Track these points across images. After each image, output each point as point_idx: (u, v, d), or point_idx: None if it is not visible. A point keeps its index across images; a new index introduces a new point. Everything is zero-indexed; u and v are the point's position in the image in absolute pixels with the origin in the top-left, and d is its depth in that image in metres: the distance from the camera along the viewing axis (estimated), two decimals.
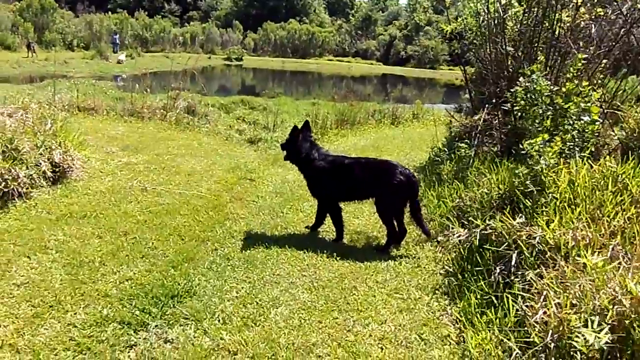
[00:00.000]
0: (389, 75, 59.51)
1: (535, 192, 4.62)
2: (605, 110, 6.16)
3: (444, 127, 10.07)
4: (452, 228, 5.12)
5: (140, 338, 3.47)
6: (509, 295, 3.69)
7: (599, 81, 6.55)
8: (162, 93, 14.55)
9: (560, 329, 3.01)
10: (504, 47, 7.04)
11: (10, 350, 3.22)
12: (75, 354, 3.25)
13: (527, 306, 3.42)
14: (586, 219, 4.01)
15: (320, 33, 79.26)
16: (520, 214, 4.44)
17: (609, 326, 2.83)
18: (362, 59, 77.49)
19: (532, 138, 4.88)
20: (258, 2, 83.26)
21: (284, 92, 26.50)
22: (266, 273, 4.60)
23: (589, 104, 5.25)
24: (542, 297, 3.33)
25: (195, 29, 69.96)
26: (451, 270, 4.75)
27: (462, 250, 4.82)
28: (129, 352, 3.33)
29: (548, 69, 6.42)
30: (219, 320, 3.76)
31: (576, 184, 4.47)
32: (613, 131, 6.02)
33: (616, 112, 6.50)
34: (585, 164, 4.68)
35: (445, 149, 8.15)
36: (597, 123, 5.23)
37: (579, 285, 3.19)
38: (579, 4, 6.38)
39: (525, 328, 3.30)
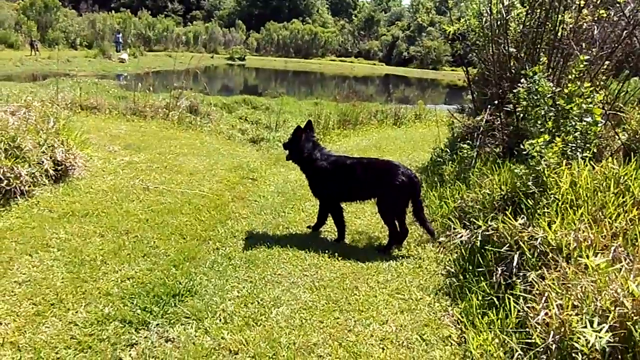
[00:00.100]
0: (392, 75, 59.51)
1: (537, 193, 4.62)
2: (608, 112, 6.15)
3: (446, 127, 10.06)
4: (454, 229, 5.12)
5: (141, 337, 3.47)
6: (510, 296, 3.69)
7: (602, 83, 6.55)
8: (164, 92, 14.57)
9: (562, 330, 3.01)
10: (506, 48, 7.03)
11: (12, 348, 3.22)
12: (76, 352, 3.25)
13: (528, 307, 3.41)
14: (588, 220, 4.00)
15: (323, 33, 79.34)
16: (522, 215, 4.43)
17: (611, 327, 2.82)
18: (364, 60, 77.55)
19: (534, 139, 4.88)
20: (261, 2, 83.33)
21: (286, 92, 26.50)
22: (268, 273, 4.60)
23: (591, 106, 5.23)
24: (544, 298, 3.32)
25: (198, 28, 70.07)
26: (453, 271, 4.75)
27: (463, 251, 4.82)
28: (130, 350, 3.33)
29: (550, 70, 6.41)
30: (220, 320, 3.76)
31: (578, 185, 4.46)
32: (615, 133, 6.00)
33: (618, 113, 6.49)
34: (587, 166, 4.68)
35: (448, 150, 8.14)
36: (599, 124, 5.22)
37: (581, 287, 3.19)
38: (582, 5, 6.37)
39: (527, 329, 3.30)
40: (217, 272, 4.55)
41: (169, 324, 3.65)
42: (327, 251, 5.11)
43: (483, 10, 7.49)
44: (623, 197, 4.23)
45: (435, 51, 73.04)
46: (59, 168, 6.28)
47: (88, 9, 61.71)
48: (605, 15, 6.35)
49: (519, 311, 3.54)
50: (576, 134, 5.17)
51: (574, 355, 2.86)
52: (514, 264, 3.99)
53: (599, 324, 2.86)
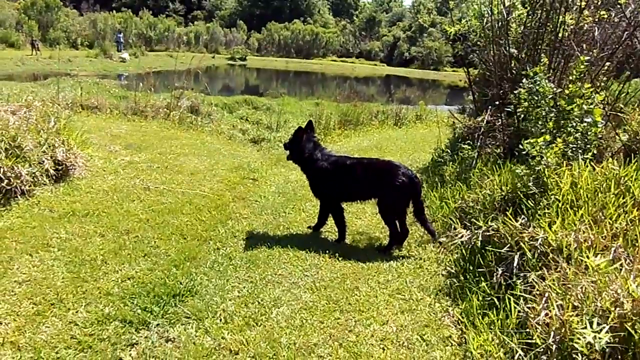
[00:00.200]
0: (393, 76, 59.53)
1: (537, 194, 4.62)
2: (608, 113, 6.15)
3: (447, 128, 10.06)
4: (455, 229, 5.12)
5: (141, 337, 3.48)
6: (510, 297, 3.69)
7: (602, 84, 6.54)
8: (165, 92, 14.58)
9: (562, 330, 3.00)
10: (507, 49, 7.03)
11: (12, 348, 3.23)
12: (77, 352, 3.25)
13: (529, 308, 3.41)
14: (588, 221, 4.00)
15: (324, 33, 79.37)
16: (522, 216, 4.43)
17: (611, 328, 2.82)
18: (365, 60, 77.54)
19: (535, 138, 4.88)
20: (262, 2, 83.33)
21: (287, 92, 26.50)
22: (268, 273, 4.60)
23: (592, 107, 5.23)
24: (544, 298, 3.32)
25: (199, 28, 70.07)
26: (453, 271, 4.75)
27: (464, 251, 4.82)
28: (130, 350, 3.33)
29: (551, 71, 6.41)
30: (220, 320, 3.76)
31: (578, 186, 4.46)
32: (616, 134, 6.00)
33: (619, 114, 6.49)
34: (587, 166, 4.68)
35: (448, 150, 8.15)
36: (600, 125, 5.22)
37: (581, 287, 3.19)
38: (583, 6, 6.37)
39: (527, 329, 3.30)
40: (217, 272, 4.56)
41: (169, 323, 3.65)
42: (327, 251, 5.12)
43: (484, 11, 7.49)
44: (623, 198, 4.23)
45: (437, 52, 73.07)
46: (60, 168, 6.28)
47: (89, 8, 61.73)
48: (606, 16, 6.35)
49: (519, 312, 3.53)
50: (577, 134, 5.16)
51: (574, 355, 2.86)
52: (515, 264, 3.99)
53: (599, 324, 2.86)
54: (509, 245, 4.17)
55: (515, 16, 7.23)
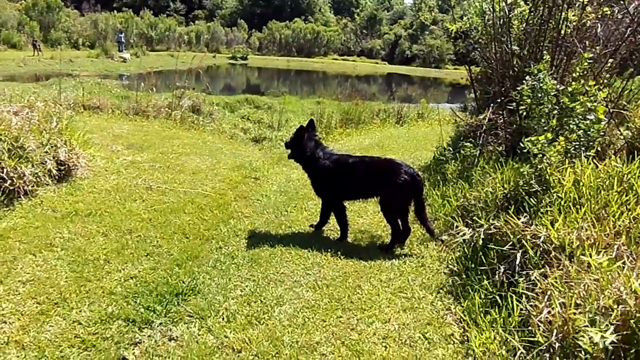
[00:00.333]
0: (394, 74, 59.54)
1: (539, 192, 4.62)
2: (611, 110, 6.13)
3: (449, 126, 10.05)
4: (457, 227, 5.11)
5: (144, 335, 3.48)
6: (513, 295, 3.69)
7: (605, 81, 6.52)
8: (167, 92, 14.59)
9: (565, 328, 3.00)
10: (509, 46, 7.02)
11: (16, 346, 3.24)
12: (80, 351, 3.26)
13: (531, 306, 3.41)
14: (591, 218, 3.99)
15: (325, 32, 79.40)
16: (524, 214, 4.42)
17: (614, 326, 2.82)
18: (367, 58, 77.60)
19: (537, 137, 4.87)
20: (263, 1, 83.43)
21: (288, 91, 26.53)
22: (270, 271, 4.60)
23: (594, 104, 5.22)
24: (547, 296, 3.32)
25: (200, 27, 70.14)
26: (455, 269, 4.74)
27: (466, 249, 4.82)
28: (133, 349, 3.34)
29: (554, 68, 6.39)
30: (223, 318, 3.76)
31: (581, 184, 4.46)
32: (619, 131, 5.98)
33: (622, 111, 6.47)
34: (590, 164, 4.67)
35: (450, 148, 8.14)
36: (602, 123, 5.21)
37: (584, 285, 3.19)
38: (585, 3, 6.35)
39: (530, 327, 3.29)
40: (220, 271, 4.56)
41: (172, 322, 3.66)
42: (329, 250, 5.11)
43: (486, 8, 7.47)
44: (626, 196, 4.22)
45: (438, 50, 73.08)
46: (62, 168, 6.30)
47: (90, 9, 61.84)
48: (609, 12, 6.33)
49: (521, 310, 3.53)
50: (579, 132, 5.15)
51: (577, 353, 2.86)
52: (517, 262, 3.99)
53: (601, 322, 2.86)
54: (511, 243, 4.17)
55: (517, 13, 7.21)
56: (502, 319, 3.64)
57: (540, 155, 4.71)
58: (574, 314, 3.01)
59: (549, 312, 3.19)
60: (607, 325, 2.83)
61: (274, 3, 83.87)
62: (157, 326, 3.59)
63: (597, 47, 6.38)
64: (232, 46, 68.29)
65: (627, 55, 6.86)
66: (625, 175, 4.41)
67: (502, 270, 4.09)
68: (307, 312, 3.93)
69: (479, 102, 8.91)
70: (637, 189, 4.25)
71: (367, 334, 3.67)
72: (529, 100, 5.64)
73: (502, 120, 7.12)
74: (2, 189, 5.39)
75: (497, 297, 3.89)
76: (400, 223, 5.40)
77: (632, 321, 2.81)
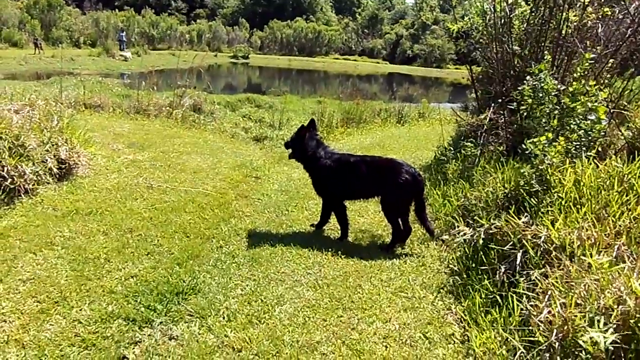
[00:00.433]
0: (395, 74, 59.57)
1: (540, 192, 4.62)
2: (612, 110, 6.13)
3: (450, 126, 10.05)
4: (457, 227, 5.11)
5: (145, 334, 3.49)
6: (513, 295, 3.69)
7: (606, 81, 6.51)
8: (168, 91, 14.60)
9: (565, 328, 3.00)
10: (510, 46, 7.01)
11: (16, 345, 3.24)
12: (81, 349, 3.27)
13: (531, 305, 3.41)
14: (591, 218, 3.99)
15: (326, 31, 79.42)
16: (525, 213, 4.42)
17: (614, 326, 2.82)
18: (368, 58, 77.62)
19: (537, 137, 4.87)
20: (265, 0, 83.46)
21: (290, 91, 26.54)
22: (271, 271, 4.60)
23: (595, 104, 5.22)
24: (547, 296, 3.32)
25: (201, 26, 70.16)
26: (456, 269, 4.74)
27: (467, 249, 4.81)
28: (133, 348, 3.34)
29: (555, 68, 6.39)
30: (223, 318, 3.76)
31: (582, 184, 4.45)
32: (620, 131, 5.98)
33: (623, 111, 6.46)
34: (591, 164, 4.66)
35: (451, 148, 8.14)
36: (603, 123, 5.21)
37: (584, 285, 3.18)
38: (586, 3, 6.35)
39: (530, 327, 3.29)
40: (220, 270, 4.56)
41: (172, 321, 3.66)
42: (330, 249, 5.11)
43: (487, 8, 7.46)
44: (627, 196, 4.22)
45: (439, 49, 73.09)
46: (63, 166, 6.30)
47: (92, 7, 61.92)
48: (609, 13, 6.33)
49: (522, 309, 3.53)
50: (580, 132, 5.15)
51: (577, 353, 2.86)
52: (517, 262, 3.99)
53: (602, 322, 2.86)
54: (511, 243, 4.16)
55: (518, 13, 7.20)
56: (502, 319, 3.64)
57: (542, 156, 4.71)
58: (574, 314, 3.01)
59: (549, 312, 3.18)
60: (607, 325, 2.83)
61: (275, 2, 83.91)
62: (158, 325, 3.59)
63: (598, 47, 6.37)
64: (233, 45, 68.31)
65: (628, 55, 6.85)
66: (626, 175, 4.40)
67: (502, 270, 4.09)
68: (308, 311, 3.93)
69: (480, 101, 8.91)
70: (637, 189, 4.25)
71: (367, 333, 3.67)
72: (529, 100, 5.64)
73: (503, 120, 7.12)
74: (2, 187, 5.39)
75: (498, 297, 3.89)
76: (401, 222, 5.39)
77: (632, 321, 2.81)
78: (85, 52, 40.33)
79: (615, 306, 2.90)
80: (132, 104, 12.47)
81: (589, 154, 4.96)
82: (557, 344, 2.99)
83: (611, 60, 6.38)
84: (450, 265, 4.88)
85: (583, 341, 2.80)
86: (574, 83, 5.45)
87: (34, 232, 4.90)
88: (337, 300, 4.14)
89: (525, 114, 6.02)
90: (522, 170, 4.95)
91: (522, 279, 3.80)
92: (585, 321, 2.91)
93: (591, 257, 3.42)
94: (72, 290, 3.94)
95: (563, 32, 6.47)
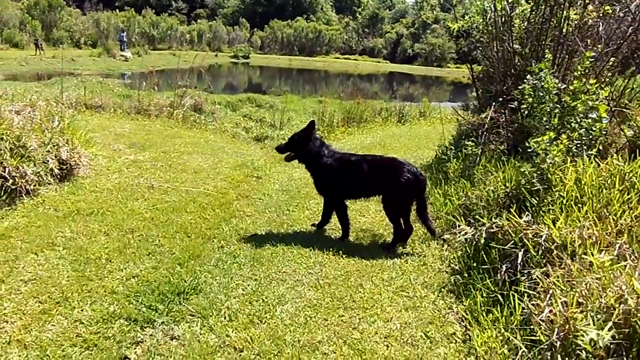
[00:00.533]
0: (396, 73, 59.59)
1: (541, 191, 4.61)
2: (613, 109, 6.13)
3: (451, 125, 10.04)
4: (459, 226, 5.11)
5: (146, 334, 3.49)
6: (515, 294, 3.68)
7: (607, 79, 6.51)
8: (169, 91, 14.61)
9: (566, 327, 3.00)
10: (511, 45, 7.01)
11: (18, 346, 3.24)
12: (82, 350, 3.27)
13: (533, 304, 3.41)
14: (593, 217, 3.99)
15: (327, 31, 79.45)
16: (526, 212, 4.42)
17: (615, 324, 2.82)
18: (369, 57, 77.65)
19: (539, 136, 4.87)
20: (265, 0, 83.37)
21: (290, 90, 26.53)
22: (272, 270, 4.60)
23: (596, 102, 5.22)
24: (548, 295, 3.32)
25: (202, 26, 70.22)
26: (457, 268, 4.74)
27: (468, 248, 4.81)
28: (135, 348, 3.34)
29: (555, 67, 6.39)
30: (225, 318, 3.76)
31: (583, 182, 4.45)
32: (621, 129, 5.97)
33: (624, 110, 6.46)
34: (592, 162, 4.66)
35: (452, 147, 8.13)
36: (604, 121, 5.20)
37: (585, 284, 3.18)
38: (587, 1, 6.34)
39: (531, 326, 3.29)
40: (221, 270, 4.56)
41: (174, 321, 3.66)
42: (331, 249, 5.11)
43: (487, 7, 7.46)
44: (628, 194, 4.22)
45: (440, 48, 73.09)
46: (64, 167, 6.30)
47: (92, 8, 62.01)
48: (610, 11, 6.32)
49: (523, 308, 3.53)
50: (581, 131, 5.15)
51: (578, 352, 2.85)
52: (519, 261, 3.99)
53: (603, 321, 2.85)
54: (513, 242, 4.16)
55: (519, 12, 7.20)
56: (504, 318, 3.64)
57: (543, 155, 4.70)
58: (576, 312, 3.00)
59: (550, 311, 3.18)
60: (605, 323, 2.83)
61: (275, 2, 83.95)
62: (159, 325, 3.59)
63: (599, 46, 6.37)
64: (234, 45, 68.34)
65: (629, 53, 6.85)
66: (627, 174, 4.40)
67: (504, 269, 4.09)
68: (309, 311, 3.93)
69: (480, 100, 8.91)
70: (638, 187, 4.24)
71: (369, 333, 3.67)
72: (530, 99, 5.63)
73: (503, 119, 7.12)
74: (4, 188, 5.40)
75: (499, 296, 3.89)
76: (402, 222, 5.39)
77: (633, 320, 2.81)
78: (85, 53, 40.36)
79: (617, 305, 2.90)
80: (133, 104, 12.48)
81: (590, 152, 4.95)
82: (558, 343, 2.99)
83: (612, 59, 6.37)
84: (452, 265, 4.88)
85: (581, 341, 2.80)
86: (575, 82, 5.45)
87: (35, 232, 4.90)
88: (338, 299, 4.14)
89: (526, 112, 6.01)
90: (523, 168, 4.94)
91: (523, 278, 3.80)
92: (586, 320, 2.91)
93: (592, 255, 3.42)
94: (74, 290, 3.94)
95: (564, 30, 6.47)
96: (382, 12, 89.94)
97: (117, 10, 62.80)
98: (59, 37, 45.48)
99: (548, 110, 5.44)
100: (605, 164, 4.65)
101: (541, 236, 3.94)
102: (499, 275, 4.09)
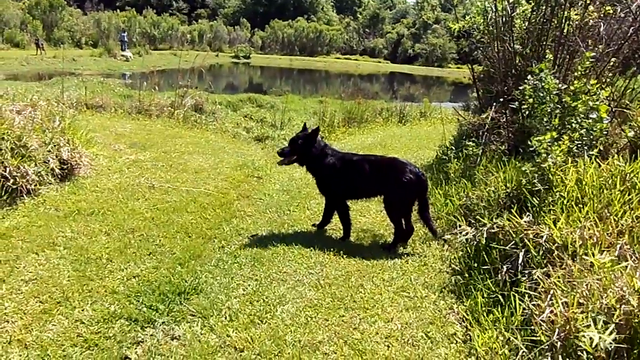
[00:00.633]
0: (397, 73, 59.60)
1: (542, 191, 4.61)
2: (614, 109, 6.12)
3: (452, 125, 10.04)
4: (459, 226, 5.11)
5: (147, 334, 3.49)
6: (515, 294, 3.68)
7: (608, 79, 6.50)
8: (169, 91, 14.62)
9: (567, 328, 3.00)
10: (512, 45, 7.01)
11: (19, 346, 3.24)
12: (83, 350, 3.27)
13: (533, 305, 3.41)
14: (594, 217, 3.99)
15: (328, 31, 79.47)
16: (527, 213, 4.42)
17: (616, 325, 2.81)
18: (369, 57, 77.66)
19: (540, 136, 4.86)
20: (266, 0, 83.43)
21: (291, 90, 26.54)
22: (273, 270, 4.60)
23: (597, 103, 5.21)
24: (549, 295, 3.32)
25: (203, 26, 70.25)
26: (458, 268, 4.73)
27: (469, 248, 4.81)
28: (136, 348, 3.34)
29: (556, 67, 6.38)
30: (225, 318, 3.76)
31: (584, 183, 4.45)
32: (622, 130, 5.97)
33: (625, 110, 6.45)
34: (593, 163, 4.66)
35: (453, 147, 8.12)
36: (605, 122, 5.20)
37: (586, 284, 3.18)
38: (588, 2, 6.34)
39: (532, 327, 3.29)
40: (222, 270, 4.56)
41: (174, 321, 3.66)
42: (332, 249, 5.11)
43: (488, 7, 7.45)
44: (629, 195, 4.21)
45: (441, 49, 73.08)
46: (65, 167, 6.30)
47: (93, 8, 62.07)
48: (611, 11, 6.32)
49: (524, 309, 3.53)
50: (582, 131, 5.15)
51: (579, 353, 2.85)
52: (519, 261, 3.98)
53: (604, 322, 2.85)
54: (513, 242, 4.16)
55: (520, 12, 7.20)
56: (504, 318, 3.64)
57: (545, 154, 4.70)
58: (576, 313, 3.00)
59: (551, 312, 3.18)
60: (607, 325, 2.82)
61: (276, 2, 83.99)
62: (160, 325, 3.59)
63: (600, 46, 6.37)
64: (234, 45, 68.36)
65: (630, 54, 6.84)
66: (628, 174, 4.40)
67: (504, 269, 4.09)
68: (310, 311, 3.93)
69: (481, 101, 8.90)
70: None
71: (369, 333, 3.67)
72: (531, 100, 5.63)
73: (504, 119, 7.12)
74: (5, 187, 5.40)
75: (500, 297, 3.89)
76: (403, 222, 5.39)
77: (634, 321, 2.80)
78: (86, 53, 40.40)
79: (618, 306, 2.89)
80: (133, 104, 12.48)
81: (591, 153, 4.95)
82: (559, 343, 2.99)
83: (613, 59, 6.37)
84: (452, 265, 4.88)
85: (582, 342, 2.80)
86: (576, 82, 5.45)
87: (36, 232, 4.91)
88: (339, 300, 4.14)
89: (526, 113, 6.01)
90: (524, 168, 4.94)
91: (524, 278, 3.80)
92: (587, 321, 2.91)
93: (593, 256, 3.42)
94: (75, 290, 3.94)
95: (565, 30, 6.47)
96: (383, 13, 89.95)
97: (118, 10, 62.88)
98: (60, 37, 45.52)
99: (549, 110, 5.43)
100: (606, 164, 4.65)
101: (542, 236, 3.94)
102: (499, 275, 4.09)
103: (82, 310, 3.69)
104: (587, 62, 5.64)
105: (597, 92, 5.33)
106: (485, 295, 4.02)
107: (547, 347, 3.05)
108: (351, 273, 4.65)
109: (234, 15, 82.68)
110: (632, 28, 6.26)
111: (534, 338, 3.19)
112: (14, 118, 6.12)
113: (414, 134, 13.76)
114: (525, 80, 5.68)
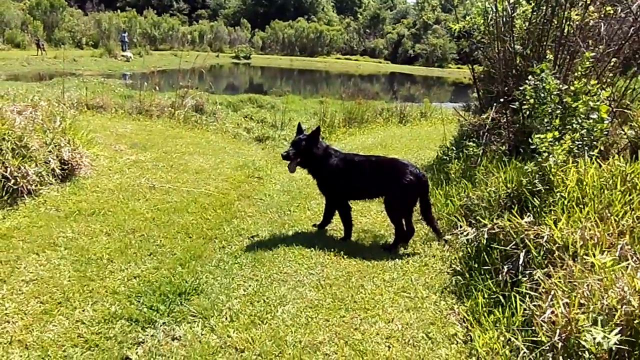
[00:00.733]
0: (397, 73, 59.58)
1: (543, 191, 4.61)
2: (614, 109, 6.12)
3: (452, 125, 10.03)
4: (460, 227, 5.11)
5: (148, 335, 3.49)
6: (516, 295, 3.68)
7: (608, 80, 6.50)
8: (170, 91, 14.64)
9: (568, 328, 3.00)
10: (512, 45, 7.01)
11: (19, 346, 3.24)
12: (84, 350, 3.27)
13: (534, 305, 3.41)
14: (594, 218, 3.98)
15: (328, 31, 79.46)
16: (528, 213, 4.42)
17: (617, 325, 2.81)
18: (370, 58, 77.64)
19: (544, 134, 4.86)
20: (266, 1, 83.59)
21: (291, 91, 26.55)
22: (273, 271, 4.60)
23: (597, 103, 5.21)
24: (550, 296, 3.31)
25: (203, 27, 70.30)
26: (459, 269, 4.73)
27: (469, 249, 4.81)
28: (136, 349, 3.34)
29: (557, 67, 6.38)
30: (226, 318, 3.76)
31: (585, 183, 4.45)
32: (622, 130, 5.97)
33: (625, 111, 6.45)
34: (593, 163, 4.66)
35: (453, 148, 8.12)
36: (606, 122, 5.20)
37: (587, 285, 3.18)
38: (588, 2, 6.34)
39: (533, 327, 3.29)
40: (223, 270, 4.56)
41: (175, 322, 3.66)
42: (333, 249, 5.11)
43: (488, 7, 7.45)
44: (630, 195, 4.21)
45: (441, 49, 73.07)
46: (66, 167, 6.31)
47: (94, 8, 62.06)
48: (612, 12, 6.32)
49: (525, 309, 3.53)
50: (583, 131, 5.14)
51: (580, 353, 2.85)
52: (520, 262, 3.98)
53: (605, 322, 2.85)
54: (514, 242, 4.16)
55: (520, 12, 7.19)
56: (505, 319, 3.64)
57: (546, 154, 4.70)
58: (578, 314, 3.00)
59: (552, 312, 3.18)
60: (610, 325, 2.82)
61: (277, 2, 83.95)
62: (160, 326, 3.59)
63: (600, 46, 6.37)
64: (235, 45, 68.41)
65: (630, 54, 6.84)
66: (629, 175, 4.40)
67: (505, 270, 4.08)
68: (310, 311, 3.93)
69: (482, 101, 8.90)
70: None
71: (370, 333, 3.67)
72: (531, 100, 5.63)
73: (505, 120, 7.11)
74: (5, 188, 5.40)
75: (501, 297, 3.89)
76: (404, 223, 5.39)
77: (635, 321, 2.80)
78: (87, 53, 40.44)
79: (619, 306, 2.89)
80: (134, 105, 12.49)
81: (591, 153, 4.95)
82: (560, 344, 2.99)
83: (613, 60, 6.36)
84: (453, 265, 4.87)
85: (586, 342, 2.80)
86: (576, 82, 5.45)
87: (37, 232, 4.91)
88: (339, 300, 4.13)
89: (527, 113, 6.00)
90: (525, 168, 4.94)
91: (525, 278, 3.79)
92: (588, 321, 2.91)
93: (594, 256, 3.41)
94: (75, 291, 3.94)
95: (565, 31, 6.47)
96: (383, 13, 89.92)
97: (119, 10, 62.88)
98: (61, 38, 45.57)
99: (549, 110, 5.43)
100: (606, 164, 4.65)
101: (543, 237, 3.93)
102: (500, 276, 4.08)
103: (83, 310, 3.69)
104: (588, 63, 5.65)
105: (598, 93, 5.33)
106: (486, 296, 4.02)
107: (548, 347, 3.04)
108: (352, 273, 4.65)
109: (235, 15, 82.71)
110: (632, 28, 6.25)
111: (535, 338, 3.19)
112: (14, 118, 6.13)
113: (414, 134, 13.75)
114: (526, 81, 5.68)
